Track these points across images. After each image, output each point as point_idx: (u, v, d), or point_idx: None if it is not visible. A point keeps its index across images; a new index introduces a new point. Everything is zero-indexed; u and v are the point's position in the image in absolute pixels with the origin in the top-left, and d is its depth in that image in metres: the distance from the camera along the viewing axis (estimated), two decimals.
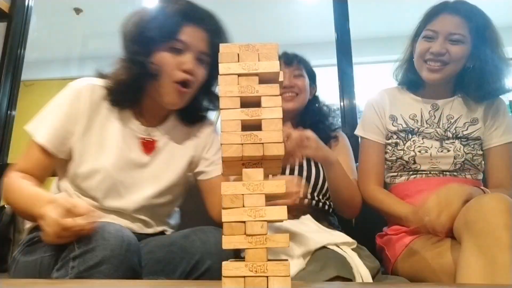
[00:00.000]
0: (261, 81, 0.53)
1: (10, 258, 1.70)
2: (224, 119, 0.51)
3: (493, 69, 1.22)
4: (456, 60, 1.22)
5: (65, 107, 0.98)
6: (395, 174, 1.30)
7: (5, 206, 1.80)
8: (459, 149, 1.23)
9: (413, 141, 1.26)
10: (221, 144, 0.51)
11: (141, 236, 0.96)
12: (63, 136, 0.97)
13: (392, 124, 1.31)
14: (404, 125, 1.29)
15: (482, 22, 1.22)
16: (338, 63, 2.01)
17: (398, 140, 1.29)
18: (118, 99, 1.00)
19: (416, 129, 1.28)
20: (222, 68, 0.53)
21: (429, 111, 1.30)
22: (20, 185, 0.91)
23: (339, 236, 1.02)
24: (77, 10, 3.59)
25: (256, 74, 0.53)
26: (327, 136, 1.35)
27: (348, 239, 1.03)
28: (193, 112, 1.09)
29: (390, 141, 1.31)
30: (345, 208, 1.26)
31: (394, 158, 1.28)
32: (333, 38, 2.05)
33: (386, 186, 1.35)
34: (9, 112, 2.21)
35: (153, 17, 0.99)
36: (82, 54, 4.15)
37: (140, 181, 1.01)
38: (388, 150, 1.31)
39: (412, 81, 1.34)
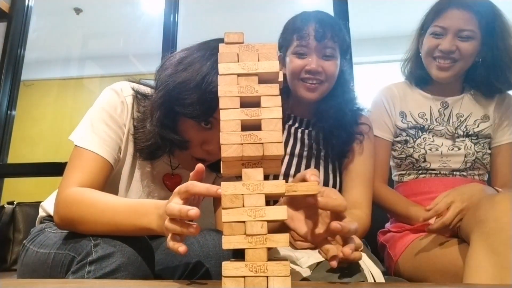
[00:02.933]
0: (261, 81, 0.53)
1: (10, 257, 1.71)
2: (224, 119, 0.51)
3: (503, 62, 1.20)
4: (466, 57, 1.19)
5: (113, 114, 0.90)
6: (404, 172, 1.29)
7: (5, 206, 1.81)
8: (470, 147, 1.22)
9: (423, 138, 1.25)
10: (220, 144, 0.51)
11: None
12: (117, 143, 0.90)
13: (402, 121, 1.29)
14: (414, 122, 1.28)
15: (491, 14, 1.19)
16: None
17: (407, 138, 1.27)
18: (144, 157, 0.94)
19: (427, 126, 1.26)
20: (221, 68, 0.53)
21: (439, 109, 1.28)
22: (102, 198, 0.78)
23: None
24: (77, 10, 3.59)
25: (255, 74, 0.53)
26: (351, 133, 1.14)
27: None
28: (217, 163, 1.02)
29: (399, 138, 1.29)
30: None
31: (404, 155, 1.27)
32: None
33: (393, 184, 1.34)
34: (9, 112, 2.21)
35: (193, 87, 0.81)
36: (82, 54, 4.15)
37: None
38: (397, 148, 1.29)
39: (420, 77, 1.31)
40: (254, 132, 0.51)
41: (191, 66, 0.83)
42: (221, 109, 0.52)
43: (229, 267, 0.50)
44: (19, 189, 2.56)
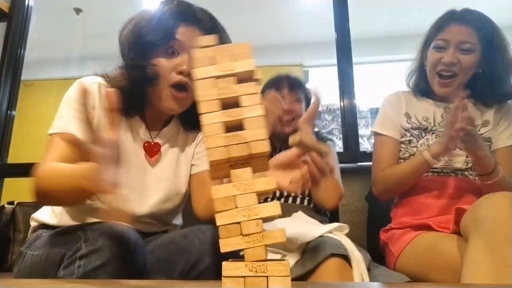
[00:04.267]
0: (239, 81, 0.53)
1: (10, 257, 1.71)
2: (206, 123, 0.51)
3: (502, 74, 1.26)
4: (466, 70, 1.25)
5: (76, 99, 0.93)
6: None
7: (5, 206, 1.81)
8: None
9: (426, 138, 1.29)
10: (206, 149, 0.51)
11: (144, 235, 0.96)
12: (82, 120, 0.92)
13: (406, 121, 1.34)
14: (418, 124, 1.32)
15: (490, 29, 1.25)
16: (338, 63, 2.01)
17: (411, 138, 1.31)
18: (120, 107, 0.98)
19: (430, 127, 1.31)
20: (198, 72, 0.53)
21: (442, 114, 1.33)
22: (57, 165, 0.82)
23: (332, 225, 1.05)
24: (77, 10, 3.60)
25: (233, 75, 0.53)
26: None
27: (341, 224, 1.05)
28: (194, 116, 1.06)
29: (403, 139, 1.33)
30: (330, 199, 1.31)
31: (407, 155, 1.30)
32: (333, 38, 2.06)
33: None
34: (9, 112, 2.22)
35: (148, 21, 0.96)
36: (82, 54, 4.15)
37: (146, 186, 1.00)
38: (401, 148, 1.33)
39: (424, 90, 1.37)
40: (238, 132, 0.51)
41: (146, 13, 0.97)
42: (202, 113, 0.51)
43: (229, 267, 0.50)
44: (19, 189, 2.55)
